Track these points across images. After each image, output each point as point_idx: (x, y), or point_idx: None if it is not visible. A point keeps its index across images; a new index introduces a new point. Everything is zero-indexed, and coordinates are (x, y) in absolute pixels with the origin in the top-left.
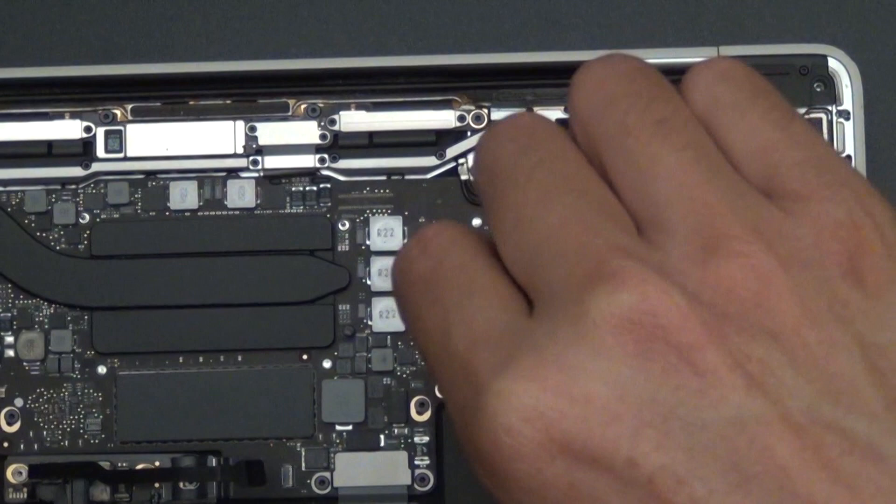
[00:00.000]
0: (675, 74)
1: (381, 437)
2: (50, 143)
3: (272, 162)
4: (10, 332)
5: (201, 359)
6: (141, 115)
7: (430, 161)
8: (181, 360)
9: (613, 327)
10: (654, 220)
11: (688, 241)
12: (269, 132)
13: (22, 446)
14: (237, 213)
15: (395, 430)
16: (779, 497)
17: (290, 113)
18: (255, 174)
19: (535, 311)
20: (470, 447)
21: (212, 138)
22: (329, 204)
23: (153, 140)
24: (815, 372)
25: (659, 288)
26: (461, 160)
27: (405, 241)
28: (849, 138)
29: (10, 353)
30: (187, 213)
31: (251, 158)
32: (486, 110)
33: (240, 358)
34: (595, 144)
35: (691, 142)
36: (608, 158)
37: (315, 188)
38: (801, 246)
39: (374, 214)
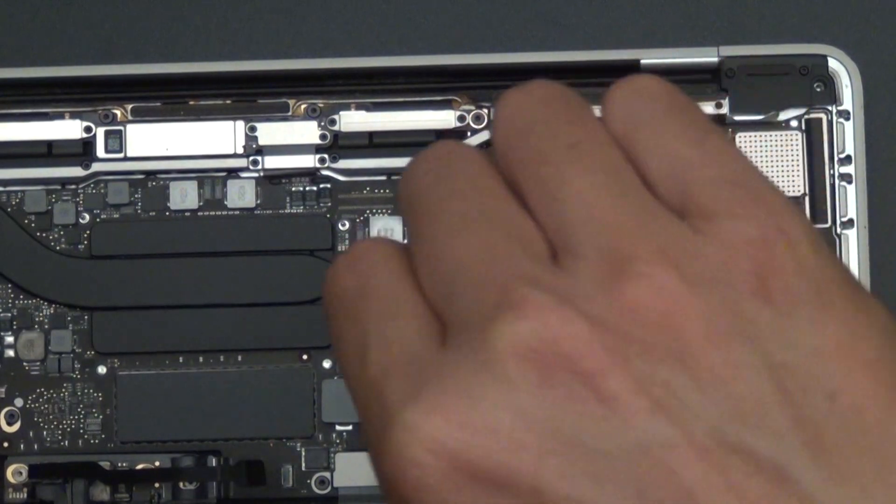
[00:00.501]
0: (675, 74)
1: None
2: (50, 143)
3: (272, 162)
4: (10, 332)
5: (201, 359)
6: (141, 115)
7: None
8: (181, 360)
9: (516, 356)
10: (566, 244)
11: (595, 264)
12: (269, 132)
13: (22, 446)
14: (237, 213)
15: None
16: None
17: (290, 113)
18: (255, 174)
19: (446, 341)
20: (379, 476)
21: (212, 138)
22: (329, 204)
23: (153, 140)
24: (721, 393)
25: (560, 315)
26: None
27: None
28: (849, 138)
29: (10, 353)
30: (187, 213)
31: (251, 158)
32: (486, 110)
33: (240, 358)
34: (512, 171)
35: (602, 165)
36: (524, 184)
37: (315, 188)
38: (709, 265)
39: (374, 214)
